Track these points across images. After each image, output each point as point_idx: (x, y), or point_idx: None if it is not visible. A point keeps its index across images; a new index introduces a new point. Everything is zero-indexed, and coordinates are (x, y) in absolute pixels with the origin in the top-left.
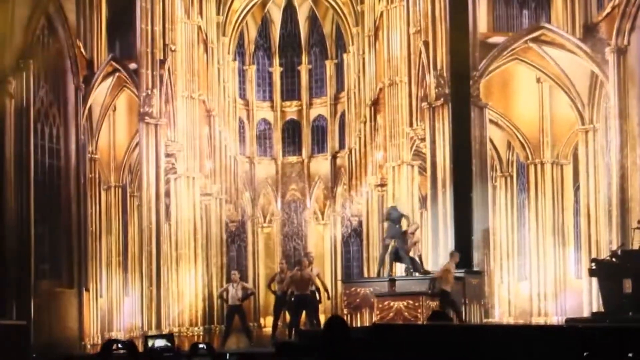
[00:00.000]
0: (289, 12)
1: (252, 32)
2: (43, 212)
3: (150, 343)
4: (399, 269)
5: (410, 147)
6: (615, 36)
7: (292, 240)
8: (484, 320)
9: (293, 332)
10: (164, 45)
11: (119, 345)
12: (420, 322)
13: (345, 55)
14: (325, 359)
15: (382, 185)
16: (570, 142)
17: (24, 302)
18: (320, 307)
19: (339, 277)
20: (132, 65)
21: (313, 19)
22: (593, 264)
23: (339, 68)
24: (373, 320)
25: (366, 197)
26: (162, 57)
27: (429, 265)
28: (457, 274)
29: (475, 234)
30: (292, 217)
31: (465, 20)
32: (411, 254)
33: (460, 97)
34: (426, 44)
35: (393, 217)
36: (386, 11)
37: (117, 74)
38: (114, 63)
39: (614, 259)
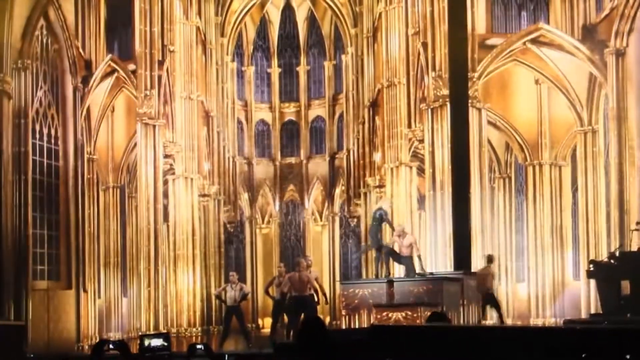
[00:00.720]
0: (288, 13)
1: (251, 33)
2: (41, 212)
3: (146, 342)
4: (397, 269)
5: (408, 149)
6: (613, 38)
7: (290, 241)
8: (482, 322)
9: (291, 333)
10: (163, 46)
11: (111, 346)
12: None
13: (343, 57)
14: None
15: (381, 186)
16: (568, 143)
17: (21, 302)
18: (319, 308)
19: (337, 278)
20: (131, 66)
21: (312, 20)
22: (591, 266)
23: (338, 69)
24: (371, 322)
25: (364, 198)
26: (160, 58)
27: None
28: (455, 275)
29: (473, 235)
30: (291, 218)
31: (464, 22)
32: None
33: (459, 99)
34: (425, 45)
35: (375, 217)
36: (385, 12)
37: (115, 74)
38: (112, 64)
39: (612, 261)
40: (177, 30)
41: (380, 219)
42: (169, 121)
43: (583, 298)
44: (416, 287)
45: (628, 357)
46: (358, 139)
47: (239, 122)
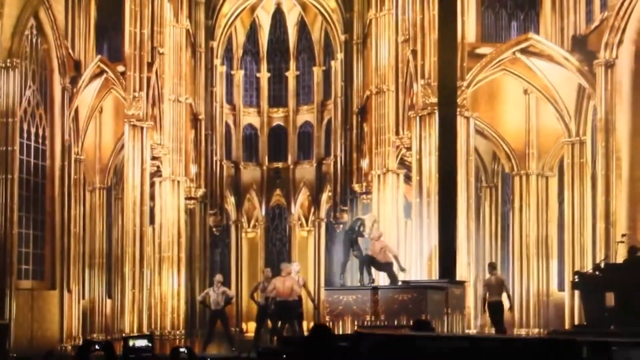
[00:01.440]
0: (278, 17)
1: (241, 37)
2: (27, 212)
3: (130, 343)
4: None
5: (396, 156)
6: (603, 49)
7: (276, 246)
8: (466, 331)
9: (275, 338)
10: (152, 48)
11: (96, 347)
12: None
13: (333, 63)
14: None
15: (367, 193)
16: (556, 154)
17: (4, 302)
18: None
19: (322, 284)
20: (120, 68)
21: (302, 26)
22: (576, 277)
23: (327, 75)
24: (355, 328)
25: (351, 204)
26: (149, 60)
27: (412, 274)
28: (441, 284)
29: (459, 244)
30: (277, 222)
31: (454, 30)
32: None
33: (447, 107)
34: (414, 52)
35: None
36: (375, 19)
37: (104, 75)
38: (101, 65)
39: (597, 272)
40: (167, 32)
41: (355, 230)
42: (157, 123)
43: (567, 309)
44: (400, 295)
45: None
46: (346, 146)
47: (227, 125)
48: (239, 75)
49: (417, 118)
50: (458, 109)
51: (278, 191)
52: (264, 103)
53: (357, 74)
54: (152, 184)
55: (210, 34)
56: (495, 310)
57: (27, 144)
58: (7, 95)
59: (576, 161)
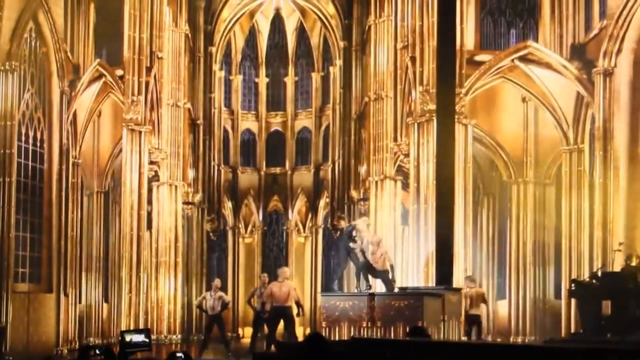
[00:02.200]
0: (277, 23)
1: (240, 42)
2: (24, 215)
3: (127, 338)
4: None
5: (394, 162)
6: (602, 58)
7: (273, 252)
8: (462, 338)
9: (271, 343)
10: (151, 52)
11: (97, 351)
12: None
13: (331, 68)
14: None
15: (365, 199)
16: (554, 162)
17: (1, 304)
18: (299, 320)
19: (319, 290)
20: (118, 72)
21: (301, 31)
22: (573, 285)
23: (325, 81)
24: (351, 335)
25: (348, 210)
26: (148, 64)
27: (408, 281)
28: (437, 291)
29: (456, 251)
30: (274, 228)
31: (453, 37)
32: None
33: (446, 114)
34: (413, 59)
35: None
36: (374, 25)
37: (103, 79)
38: (100, 68)
39: (593, 281)
40: (166, 37)
41: (349, 235)
42: (155, 128)
43: (564, 317)
44: (397, 302)
45: None
46: (343, 152)
47: (225, 130)
48: (237, 80)
49: (415, 125)
50: (456, 116)
51: (275, 197)
52: (262, 108)
53: (356, 80)
54: (150, 189)
55: (209, 38)
56: (473, 322)
57: (25, 147)
58: (6, 98)
59: (574, 169)
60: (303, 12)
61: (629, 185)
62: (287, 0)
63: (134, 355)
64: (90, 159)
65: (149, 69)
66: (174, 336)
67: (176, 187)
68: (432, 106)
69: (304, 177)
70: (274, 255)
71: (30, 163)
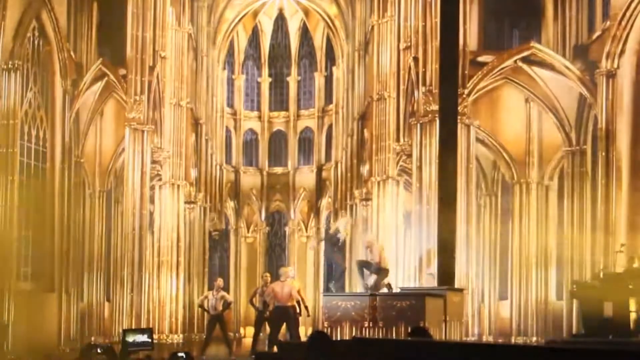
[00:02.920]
0: (280, 23)
1: (243, 42)
2: (27, 214)
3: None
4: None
5: (396, 163)
6: (605, 59)
7: (275, 252)
8: (464, 339)
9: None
10: (154, 51)
11: (99, 350)
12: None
13: (334, 68)
14: None
15: (367, 199)
16: (556, 162)
17: (4, 303)
18: (300, 319)
19: (321, 290)
20: (121, 71)
21: (304, 31)
22: (574, 286)
23: (328, 81)
24: (353, 334)
25: (350, 210)
26: (151, 64)
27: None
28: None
29: (458, 251)
30: (276, 228)
31: (456, 38)
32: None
33: (448, 114)
34: (416, 59)
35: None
36: (377, 25)
37: (105, 78)
38: (103, 68)
39: (595, 282)
40: (169, 36)
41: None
42: (158, 127)
43: (565, 318)
44: (399, 302)
45: None
46: (346, 152)
47: (228, 130)
48: (240, 80)
49: (418, 125)
50: (459, 117)
51: (278, 196)
52: (265, 108)
53: (359, 80)
54: (152, 188)
55: (212, 38)
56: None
57: (27, 146)
58: (9, 96)
59: (576, 170)
60: (306, 12)
61: (631, 186)
62: (290, 0)
63: (136, 355)
64: (92, 158)
65: (151, 69)
66: (176, 336)
67: (178, 186)
68: (435, 107)
69: (306, 177)
70: (276, 256)
71: (32, 162)
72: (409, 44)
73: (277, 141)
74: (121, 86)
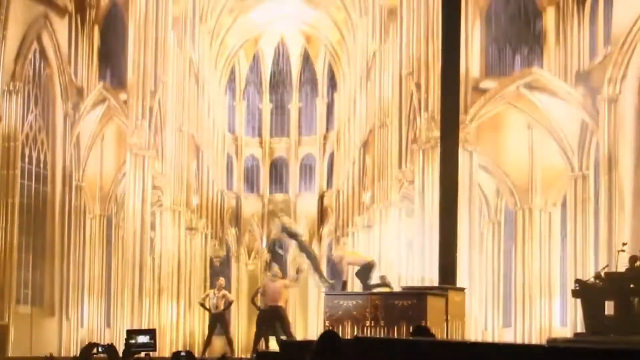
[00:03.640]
0: (281, 49)
1: (244, 68)
2: (27, 237)
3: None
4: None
5: (398, 189)
6: (606, 84)
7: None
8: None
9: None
10: (155, 76)
11: (99, 349)
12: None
13: (336, 95)
14: None
15: (369, 226)
16: (559, 189)
17: (2, 326)
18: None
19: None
20: (122, 95)
21: (305, 58)
22: (576, 285)
23: (330, 107)
24: (354, 334)
25: (352, 237)
26: (152, 88)
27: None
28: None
29: (459, 278)
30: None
31: (458, 64)
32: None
33: (451, 141)
34: (418, 85)
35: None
36: (379, 52)
37: (106, 102)
38: (104, 91)
39: (597, 281)
40: (170, 61)
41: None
42: (159, 152)
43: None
44: (400, 301)
45: None
46: (348, 178)
47: (229, 156)
48: (241, 106)
49: (420, 151)
50: (461, 143)
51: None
52: (266, 134)
53: (360, 107)
54: (153, 214)
55: (213, 64)
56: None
57: (28, 168)
58: (9, 119)
59: (579, 196)
60: (307, 38)
61: (634, 211)
62: (291, 27)
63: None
64: (93, 182)
65: (153, 93)
66: None
67: (179, 212)
68: (437, 133)
69: (307, 203)
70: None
71: (33, 184)
72: (411, 70)
73: (279, 168)
74: (122, 110)
